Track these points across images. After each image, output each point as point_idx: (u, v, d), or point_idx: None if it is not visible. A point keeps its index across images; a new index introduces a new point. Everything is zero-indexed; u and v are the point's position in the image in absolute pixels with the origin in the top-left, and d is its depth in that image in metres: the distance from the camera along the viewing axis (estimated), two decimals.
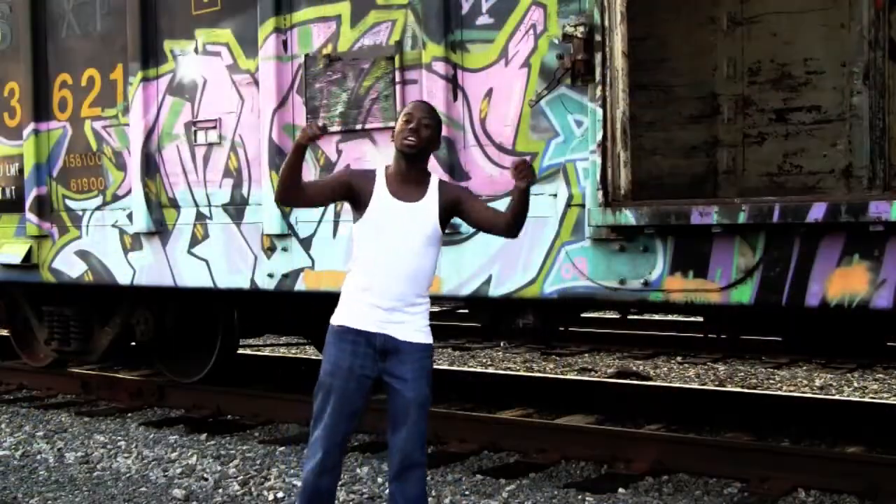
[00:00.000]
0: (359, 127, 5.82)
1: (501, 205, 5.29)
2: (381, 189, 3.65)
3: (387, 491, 5.03)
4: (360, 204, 3.66)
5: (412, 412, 3.64)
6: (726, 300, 4.72)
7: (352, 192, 3.67)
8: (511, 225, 3.70)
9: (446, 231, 5.38)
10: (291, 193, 3.67)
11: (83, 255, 7.28)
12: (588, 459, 5.73)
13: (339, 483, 5.18)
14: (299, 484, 4.06)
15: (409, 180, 3.67)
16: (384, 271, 3.61)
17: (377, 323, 3.62)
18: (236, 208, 6.43)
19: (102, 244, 7.16)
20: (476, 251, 5.43)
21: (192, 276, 6.66)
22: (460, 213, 3.74)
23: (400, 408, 3.64)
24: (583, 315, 8.13)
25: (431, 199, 3.68)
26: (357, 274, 3.68)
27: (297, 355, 9.95)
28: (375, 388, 3.73)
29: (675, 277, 4.83)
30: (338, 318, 3.70)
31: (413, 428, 3.64)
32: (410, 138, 3.62)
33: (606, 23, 4.88)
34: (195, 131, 6.62)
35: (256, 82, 6.27)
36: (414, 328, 3.67)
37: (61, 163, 7.43)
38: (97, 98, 7.19)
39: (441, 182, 3.77)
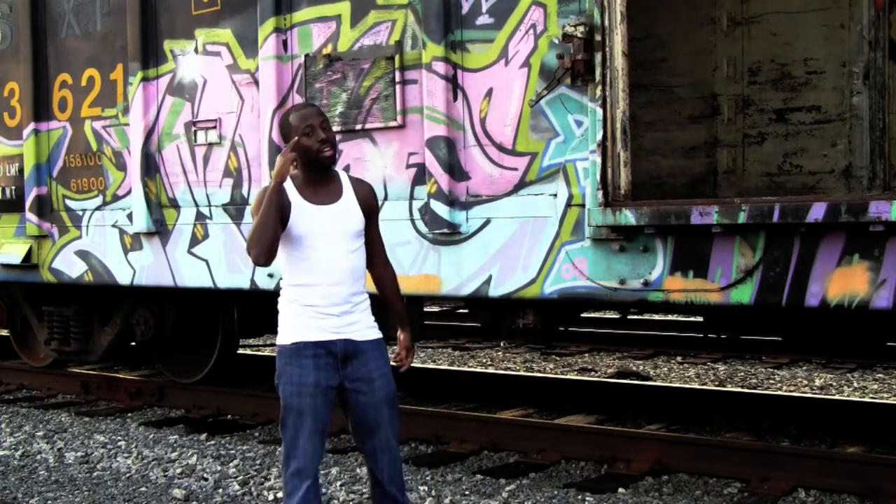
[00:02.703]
0: (359, 127, 5.81)
1: (502, 205, 5.33)
2: (296, 200, 3.53)
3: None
4: (283, 221, 3.50)
5: (386, 410, 3.57)
6: (726, 300, 4.71)
7: (282, 212, 3.51)
8: (375, 278, 3.74)
9: (447, 231, 5.45)
10: (274, 251, 3.47)
11: (83, 255, 7.28)
12: (588, 459, 5.73)
13: (339, 483, 5.19)
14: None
15: (320, 184, 3.58)
16: (326, 278, 3.49)
17: (333, 330, 3.51)
18: (236, 208, 6.43)
19: (102, 244, 7.16)
20: (476, 251, 5.43)
21: (192, 276, 6.66)
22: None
23: (370, 409, 3.55)
24: (583, 315, 8.13)
25: (349, 197, 3.60)
26: (295, 289, 3.54)
27: None
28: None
29: (675, 277, 4.83)
30: (288, 337, 3.55)
31: (392, 425, 3.59)
32: (328, 150, 3.52)
33: (606, 23, 4.88)
34: (195, 131, 6.62)
35: (256, 82, 6.27)
36: (367, 325, 3.61)
37: (61, 163, 7.42)
38: (97, 98, 7.19)
39: (351, 178, 3.68)
